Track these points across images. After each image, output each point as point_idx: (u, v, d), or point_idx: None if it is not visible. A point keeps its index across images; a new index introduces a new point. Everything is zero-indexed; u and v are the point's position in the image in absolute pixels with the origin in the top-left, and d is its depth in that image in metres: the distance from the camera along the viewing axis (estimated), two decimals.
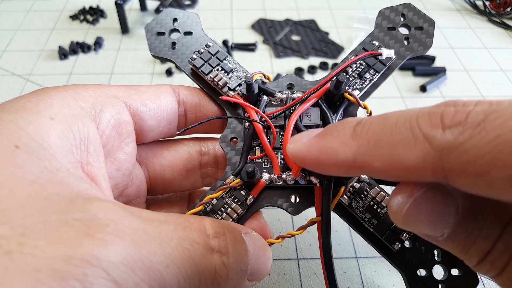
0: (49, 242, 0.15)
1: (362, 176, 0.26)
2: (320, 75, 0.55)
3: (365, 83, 0.28)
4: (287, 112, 0.27)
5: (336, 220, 0.37)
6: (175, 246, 0.19)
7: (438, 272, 0.24)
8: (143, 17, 0.65)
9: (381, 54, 0.28)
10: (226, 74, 0.29)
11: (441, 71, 0.54)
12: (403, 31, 0.30)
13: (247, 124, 0.28)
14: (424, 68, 0.54)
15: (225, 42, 0.58)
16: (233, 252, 0.21)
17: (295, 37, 0.61)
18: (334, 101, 0.27)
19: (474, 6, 0.67)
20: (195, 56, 0.29)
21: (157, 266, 0.17)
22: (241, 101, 0.27)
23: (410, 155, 0.16)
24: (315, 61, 0.56)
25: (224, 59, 0.30)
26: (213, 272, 0.20)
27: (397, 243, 0.24)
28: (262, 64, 0.56)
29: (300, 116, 0.27)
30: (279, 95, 0.28)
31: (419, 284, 0.24)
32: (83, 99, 0.24)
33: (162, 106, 0.28)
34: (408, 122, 0.16)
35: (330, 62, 0.56)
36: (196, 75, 0.30)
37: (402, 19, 0.30)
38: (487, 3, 0.65)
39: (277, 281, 0.33)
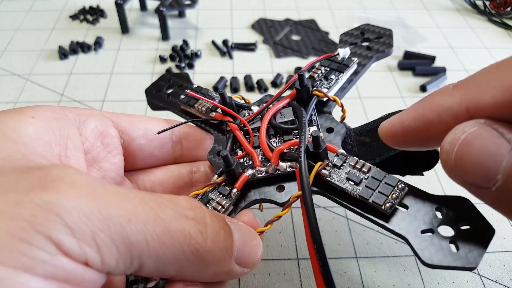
0: (2, 191, 0.16)
1: (340, 151, 0.25)
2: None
3: (332, 82, 0.30)
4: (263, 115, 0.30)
5: (335, 220, 0.37)
6: (139, 203, 0.18)
7: (444, 230, 0.22)
8: (143, 17, 0.65)
9: (338, 54, 0.31)
10: (208, 101, 0.32)
11: (441, 71, 0.54)
12: (365, 44, 0.32)
13: (228, 134, 0.30)
14: (424, 68, 0.54)
15: (225, 42, 0.58)
16: (212, 225, 0.20)
17: (295, 37, 0.61)
18: (304, 98, 0.29)
19: (474, 6, 0.67)
20: (183, 96, 0.33)
21: (117, 218, 0.16)
22: (221, 113, 0.30)
23: None
24: None
25: (207, 92, 0.33)
26: (188, 237, 0.18)
27: (387, 203, 0.22)
28: (262, 64, 0.56)
29: (274, 116, 0.29)
30: (255, 108, 0.31)
31: (425, 246, 0.21)
32: (68, 110, 0.25)
33: (152, 128, 0.29)
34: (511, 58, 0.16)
35: None
36: (185, 112, 0.33)
37: (361, 35, 0.33)
38: (487, 3, 0.65)
39: (277, 281, 0.33)
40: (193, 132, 0.31)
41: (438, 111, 0.18)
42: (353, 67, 0.31)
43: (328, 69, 0.31)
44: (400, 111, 0.22)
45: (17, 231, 0.14)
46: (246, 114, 0.31)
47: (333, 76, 0.30)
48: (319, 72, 0.31)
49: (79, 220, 0.16)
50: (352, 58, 0.31)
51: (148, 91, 0.35)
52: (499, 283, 0.33)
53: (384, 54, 0.31)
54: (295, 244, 0.35)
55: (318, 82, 0.30)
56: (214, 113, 0.31)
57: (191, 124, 0.32)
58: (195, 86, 0.34)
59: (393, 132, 0.20)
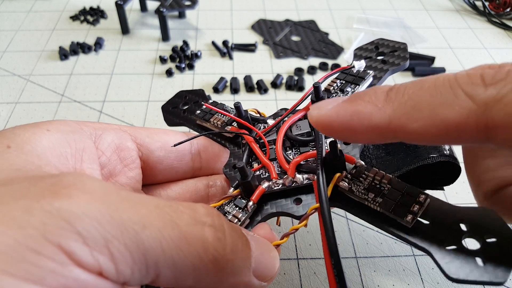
0: (14, 197, 0.15)
1: (358, 162, 0.25)
2: (320, 75, 0.55)
3: (348, 95, 0.30)
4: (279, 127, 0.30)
5: (335, 221, 0.37)
6: (153, 209, 0.17)
7: (470, 243, 0.21)
8: (143, 17, 0.65)
9: (353, 67, 0.31)
10: (224, 116, 0.32)
11: (441, 71, 0.54)
12: (380, 58, 0.32)
13: (244, 147, 0.30)
14: (424, 68, 0.54)
15: (225, 43, 0.58)
16: (230, 233, 0.19)
17: (295, 38, 0.61)
18: None
19: (474, 6, 0.67)
20: (198, 111, 0.33)
21: (131, 224, 0.16)
22: (236, 126, 0.31)
23: (453, 112, 0.16)
24: (315, 61, 0.57)
25: (223, 107, 0.33)
26: (205, 243, 0.17)
27: (409, 216, 0.22)
28: (262, 64, 0.56)
29: (290, 128, 0.29)
30: (270, 121, 0.31)
31: (450, 260, 0.20)
32: (85, 124, 0.25)
33: (169, 141, 0.29)
34: (447, 83, 0.17)
35: (330, 62, 0.56)
36: (201, 127, 0.33)
37: (375, 49, 0.33)
38: (487, 3, 0.65)
39: (277, 281, 0.33)
40: (211, 146, 0.31)
41: (365, 126, 0.18)
42: (369, 80, 0.31)
43: (343, 82, 0.31)
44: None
45: (26, 240, 0.14)
46: (262, 127, 0.31)
47: (349, 89, 0.30)
48: (335, 84, 0.31)
49: (91, 227, 0.15)
50: (368, 71, 0.31)
51: (164, 108, 0.35)
52: None
53: (400, 67, 0.31)
54: (295, 244, 0.35)
55: (334, 95, 0.30)
56: (230, 127, 0.31)
57: (208, 138, 0.32)
58: (210, 101, 0.34)
59: (320, 124, 0.20)
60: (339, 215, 0.38)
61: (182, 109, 0.35)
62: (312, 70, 0.54)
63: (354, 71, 0.31)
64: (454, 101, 0.16)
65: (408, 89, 0.18)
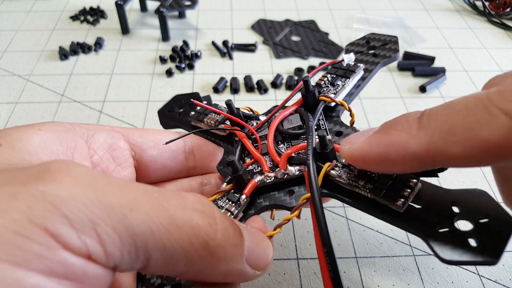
0: (0, 185, 0.15)
1: None
2: (320, 75, 0.55)
3: (338, 88, 0.30)
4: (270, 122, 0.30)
5: (335, 220, 0.37)
6: (142, 193, 0.17)
7: (462, 225, 0.21)
8: (143, 17, 0.65)
9: (343, 60, 0.31)
10: (217, 115, 0.32)
11: (441, 71, 0.54)
12: (371, 52, 0.33)
13: (237, 143, 0.30)
14: (424, 68, 0.54)
15: (225, 43, 0.58)
16: (222, 220, 0.19)
17: (295, 38, 0.61)
18: (311, 104, 0.29)
19: (474, 6, 0.67)
20: (193, 113, 0.33)
21: (119, 207, 0.16)
22: (229, 124, 0.31)
23: (491, 132, 0.15)
24: (315, 61, 0.57)
25: (215, 107, 0.33)
26: (196, 228, 0.17)
27: (400, 200, 0.21)
28: (262, 64, 0.56)
29: (281, 123, 0.29)
30: (262, 118, 0.31)
31: (443, 242, 0.20)
32: (77, 125, 0.25)
33: (162, 140, 0.29)
34: (480, 102, 0.16)
35: None
36: (195, 127, 0.33)
37: (366, 44, 0.33)
38: (487, 3, 0.65)
39: (277, 281, 0.33)
40: (205, 145, 0.31)
41: (402, 155, 0.18)
42: (360, 73, 0.31)
43: (334, 75, 0.31)
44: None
45: (12, 224, 0.14)
46: (254, 124, 0.31)
47: (339, 82, 0.30)
48: (325, 79, 0.31)
49: (77, 210, 0.15)
50: (358, 64, 0.31)
51: (161, 112, 0.36)
52: (499, 283, 0.33)
53: (391, 59, 0.31)
54: (295, 244, 0.35)
55: (325, 89, 0.31)
56: (223, 125, 0.31)
57: (202, 137, 0.32)
58: (204, 102, 0.35)
59: (353, 158, 0.21)
60: (339, 215, 0.38)
61: (178, 112, 0.35)
62: (312, 70, 0.54)
63: (344, 65, 0.31)
64: (490, 121, 0.15)
65: (440, 113, 0.17)
